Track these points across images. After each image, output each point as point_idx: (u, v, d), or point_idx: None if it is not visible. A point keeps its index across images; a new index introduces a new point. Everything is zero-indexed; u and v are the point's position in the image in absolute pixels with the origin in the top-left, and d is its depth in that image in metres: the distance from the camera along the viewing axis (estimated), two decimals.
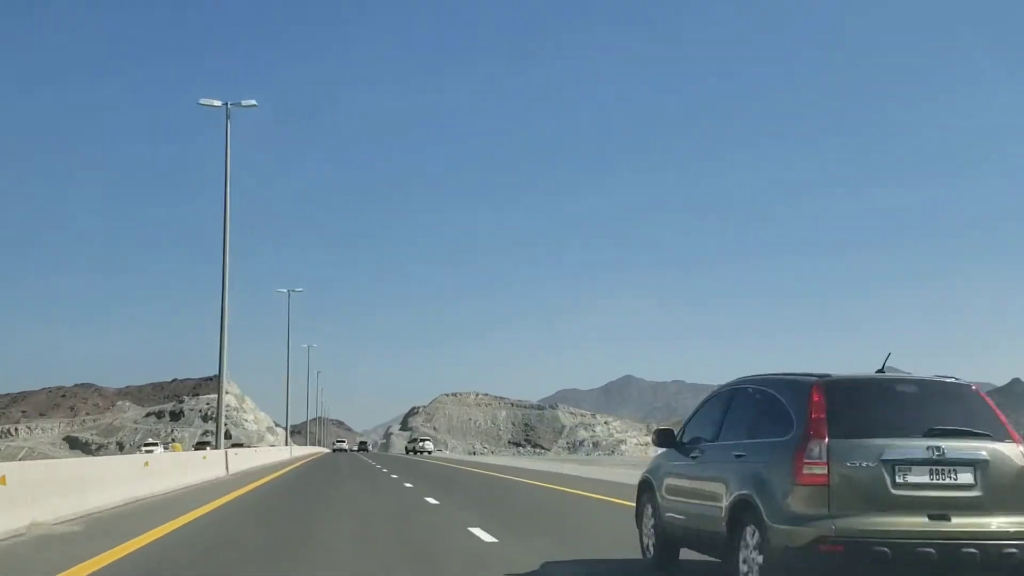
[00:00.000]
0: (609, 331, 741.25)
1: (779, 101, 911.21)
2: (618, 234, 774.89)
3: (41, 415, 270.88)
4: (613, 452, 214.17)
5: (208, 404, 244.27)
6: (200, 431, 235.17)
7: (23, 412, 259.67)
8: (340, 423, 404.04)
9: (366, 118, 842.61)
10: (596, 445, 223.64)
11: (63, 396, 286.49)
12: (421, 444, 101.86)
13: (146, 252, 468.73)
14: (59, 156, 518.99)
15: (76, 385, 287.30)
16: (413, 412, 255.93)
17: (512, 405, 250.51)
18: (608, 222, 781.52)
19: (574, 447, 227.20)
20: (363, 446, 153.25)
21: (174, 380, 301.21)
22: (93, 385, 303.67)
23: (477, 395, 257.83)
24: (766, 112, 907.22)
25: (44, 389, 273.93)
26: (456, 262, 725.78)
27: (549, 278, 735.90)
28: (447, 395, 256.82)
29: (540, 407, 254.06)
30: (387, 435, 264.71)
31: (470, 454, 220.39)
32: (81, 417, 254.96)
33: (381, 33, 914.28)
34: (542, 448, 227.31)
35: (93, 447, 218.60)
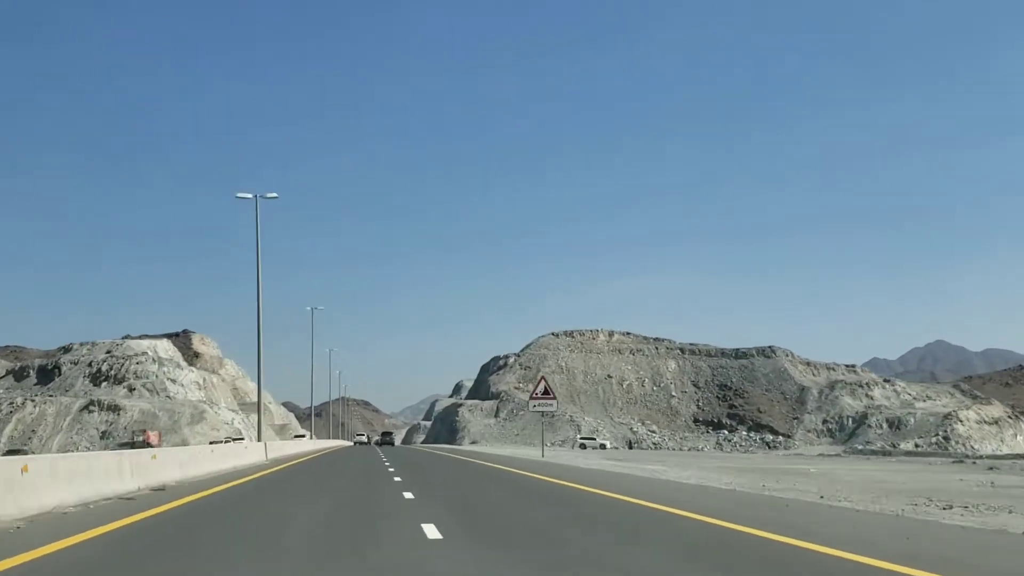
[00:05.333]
0: (657, 304, 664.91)
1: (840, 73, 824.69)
2: (667, 210, 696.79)
3: None
4: (947, 438, 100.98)
5: (110, 354, 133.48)
6: (81, 402, 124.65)
7: None
8: (366, 404, 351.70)
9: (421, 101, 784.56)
10: (898, 425, 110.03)
11: None
12: None
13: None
14: None
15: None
16: (496, 367, 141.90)
17: (685, 351, 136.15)
18: (654, 198, 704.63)
19: (844, 429, 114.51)
20: (387, 439, 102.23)
21: (126, 338, 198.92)
22: (17, 348, 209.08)
23: (612, 335, 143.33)
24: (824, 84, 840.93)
25: None
26: (482, 239, 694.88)
27: (601, 249, 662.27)
28: (556, 335, 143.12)
29: (743, 354, 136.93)
30: (435, 414, 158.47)
31: (626, 446, 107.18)
32: None
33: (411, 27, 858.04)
34: (772, 432, 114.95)
35: None
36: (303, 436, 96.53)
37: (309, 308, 74.54)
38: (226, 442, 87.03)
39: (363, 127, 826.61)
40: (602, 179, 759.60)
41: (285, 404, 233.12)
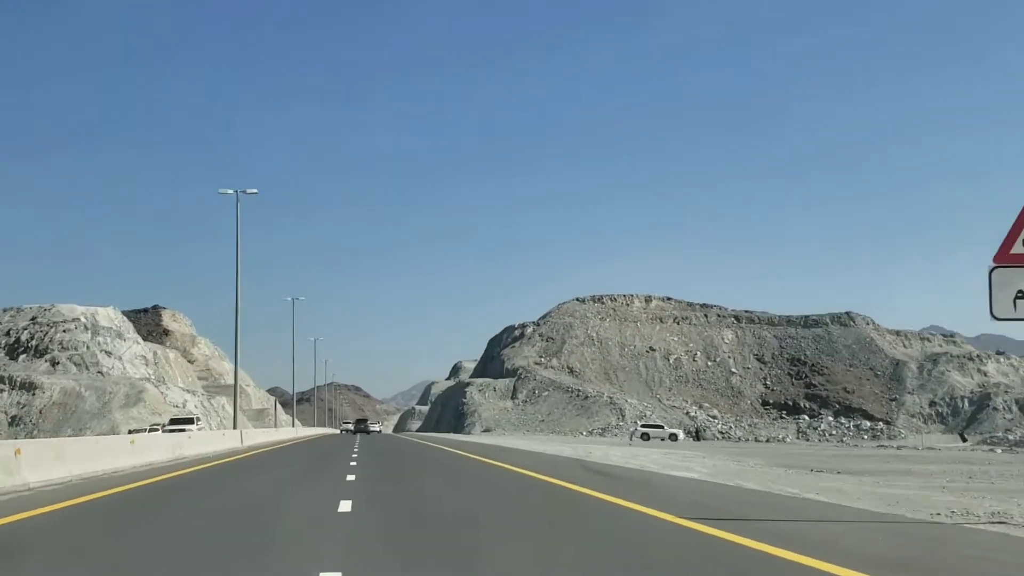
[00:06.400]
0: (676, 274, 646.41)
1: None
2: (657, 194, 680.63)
3: None
4: None
5: (34, 321, 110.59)
6: None
7: None
8: (357, 389, 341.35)
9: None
10: None
11: None
12: None
13: None
14: None
15: None
16: (510, 339, 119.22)
17: (741, 319, 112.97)
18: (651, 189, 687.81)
19: (958, 413, 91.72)
20: (361, 426, 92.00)
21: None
22: None
23: (649, 300, 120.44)
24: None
25: None
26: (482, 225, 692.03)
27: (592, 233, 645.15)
28: (582, 301, 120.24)
29: (814, 322, 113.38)
30: (432, 397, 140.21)
31: (693, 436, 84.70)
32: None
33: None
34: (867, 417, 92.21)
35: None
36: (190, 422, 56.54)
37: (233, 191, 49.82)
38: (150, 431, 64.12)
39: (361, 119, 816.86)
40: (601, 166, 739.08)
41: (271, 391, 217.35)
